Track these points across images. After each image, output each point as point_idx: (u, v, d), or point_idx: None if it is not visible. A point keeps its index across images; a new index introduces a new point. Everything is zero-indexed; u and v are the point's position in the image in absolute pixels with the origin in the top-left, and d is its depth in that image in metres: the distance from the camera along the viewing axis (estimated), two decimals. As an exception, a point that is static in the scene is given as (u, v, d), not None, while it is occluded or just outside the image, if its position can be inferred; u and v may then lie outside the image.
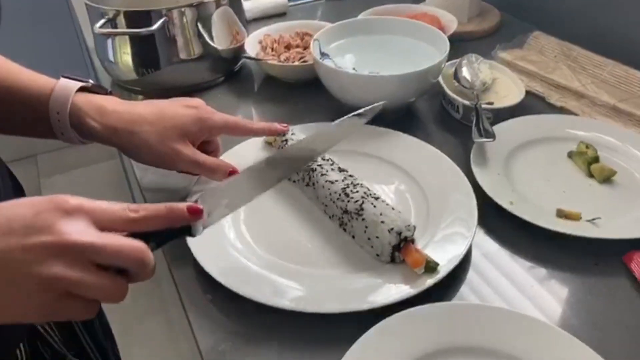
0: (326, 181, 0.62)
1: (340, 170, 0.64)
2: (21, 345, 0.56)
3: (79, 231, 0.37)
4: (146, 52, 0.86)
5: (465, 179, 0.65)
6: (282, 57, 0.92)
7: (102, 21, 0.81)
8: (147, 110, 0.62)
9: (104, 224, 0.39)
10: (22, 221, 0.37)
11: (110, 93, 0.64)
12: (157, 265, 0.44)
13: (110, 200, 0.42)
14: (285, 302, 0.52)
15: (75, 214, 0.38)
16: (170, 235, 0.46)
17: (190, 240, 0.58)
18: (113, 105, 0.61)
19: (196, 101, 0.65)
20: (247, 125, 0.67)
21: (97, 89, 0.63)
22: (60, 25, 1.89)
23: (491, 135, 0.69)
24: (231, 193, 0.52)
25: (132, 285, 0.41)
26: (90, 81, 0.62)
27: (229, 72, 0.94)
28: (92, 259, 0.38)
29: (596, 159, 0.69)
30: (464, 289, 0.56)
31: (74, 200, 0.39)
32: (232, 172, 0.63)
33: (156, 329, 1.74)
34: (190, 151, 0.62)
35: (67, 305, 0.37)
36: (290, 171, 0.61)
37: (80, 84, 0.61)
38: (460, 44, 0.96)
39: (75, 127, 0.61)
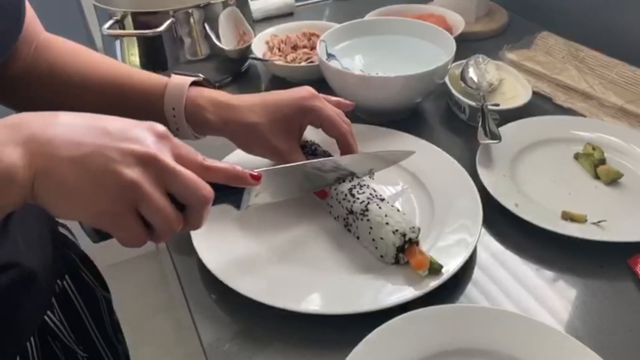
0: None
1: None
2: (32, 338, 0.57)
3: (164, 153, 0.40)
4: (153, 53, 0.86)
5: (471, 180, 0.65)
6: (289, 58, 0.92)
7: (110, 22, 0.82)
8: (256, 103, 0.62)
9: (180, 159, 0.42)
10: (119, 128, 0.40)
11: (216, 87, 0.64)
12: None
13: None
14: (288, 303, 0.53)
15: (164, 139, 0.41)
16: (223, 199, 0.48)
17: (195, 239, 0.59)
18: (225, 98, 0.62)
19: (305, 91, 0.64)
20: (343, 131, 0.63)
21: (206, 83, 0.64)
22: (70, 26, 1.91)
23: (497, 137, 0.69)
24: (278, 183, 0.54)
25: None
26: (200, 75, 0.63)
27: (236, 72, 0.94)
28: (169, 182, 0.40)
29: (603, 161, 0.69)
30: (469, 290, 0.56)
31: (164, 128, 0.42)
32: None
33: (164, 328, 1.75)
34: (289, 148, 0.62)
35: (126, 221, 0.39)
36: (335, 182, 0.61)
37: (192, 79, 0.61)
38: (467, 44, 0.96)
39: (191, 122, 0.61)
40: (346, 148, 0.64)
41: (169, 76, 0.62)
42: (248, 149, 0.64)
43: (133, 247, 0.41)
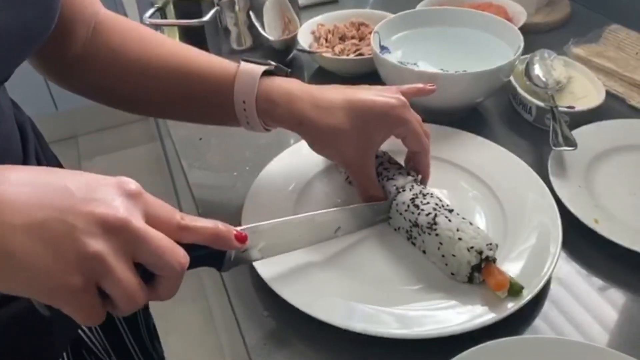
0: (393, 186, 0.57)
1: (408, 173, 0.59)
2: (64, 354, 0.54)
3: (135, 216, 0.35)
4: (195, 43, 0.80)
5: (545, 187, 0.60)
6: (337, 49, 0.87)
7: (151, 10, 0.77)
8: (336, 104, 0.55)
9: (153, 220, 0.37)
10: (83, 188, 0.35)
11: (289, 74, 0.58)
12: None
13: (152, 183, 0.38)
14: (351, 323, 0.48)
15: (135, 199, 0.36)
16: (202, 261, 0.43)
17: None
18: (301, 91, 0.55)
19: (395, 98, 0.55)
20: (425, 147, 0.58)
21: (279, 71, 0.57)
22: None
23: (572, 143, 0.62)
24: (271, 237, 0.49)
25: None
26: (272, 62, 0.56)
27: (280, 64, 0.89)
28: (137, 251, 0.35)
29: (690, 172, 0.62)
30: (545, 314, 0.51)
31: (135, 185, 0.37)
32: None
33: (193, 318, 1.73)
34: (363, 162, 0.56)
35: (83, 298, 0.34)
36: (345, 232, 0.56)
37: (263, 68, 0.55)
38: (527, 37, 0.88)
39: (262, 116, 0.55)
40: (423, 163, 0.59)
41: (238, 62, 0.56)
42: (319, 152, 0.58)
43: (89, 325, 0.36)
